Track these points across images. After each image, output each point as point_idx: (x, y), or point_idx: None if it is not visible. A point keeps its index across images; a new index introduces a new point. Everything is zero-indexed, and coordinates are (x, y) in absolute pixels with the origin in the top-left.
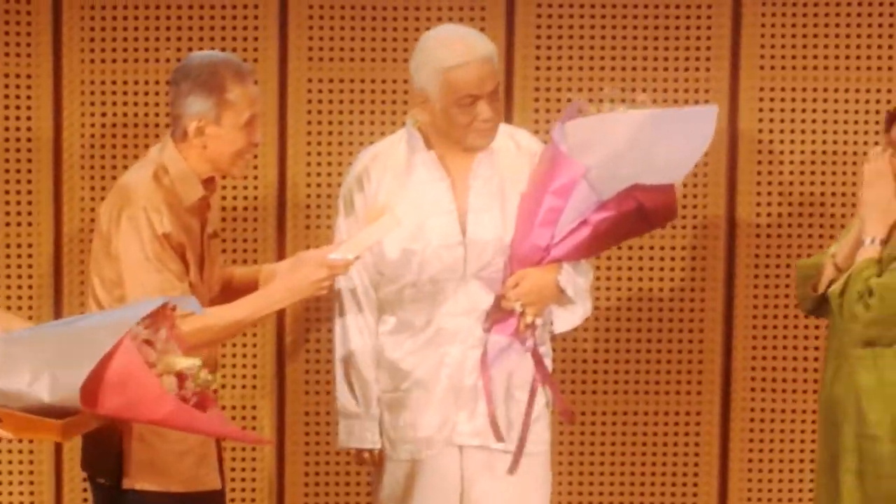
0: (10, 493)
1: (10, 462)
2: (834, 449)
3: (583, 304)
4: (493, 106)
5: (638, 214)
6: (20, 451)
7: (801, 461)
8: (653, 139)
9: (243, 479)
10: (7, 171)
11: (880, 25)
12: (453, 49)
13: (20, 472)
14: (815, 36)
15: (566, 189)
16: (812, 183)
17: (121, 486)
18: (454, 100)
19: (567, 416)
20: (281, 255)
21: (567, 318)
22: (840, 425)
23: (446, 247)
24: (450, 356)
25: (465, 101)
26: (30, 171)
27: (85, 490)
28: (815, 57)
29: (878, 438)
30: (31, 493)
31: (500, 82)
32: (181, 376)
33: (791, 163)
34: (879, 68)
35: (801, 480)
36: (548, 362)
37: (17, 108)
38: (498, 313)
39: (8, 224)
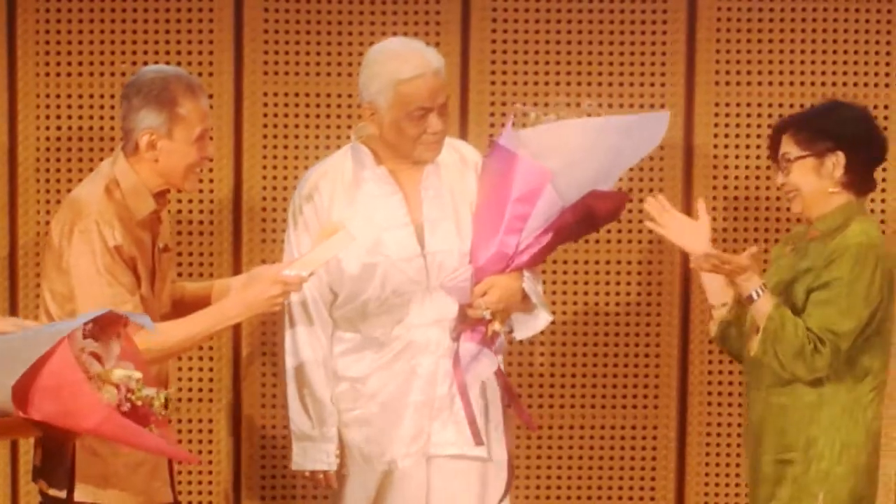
0: None
1: None
2: (754, 478)
3: (545, 311)
4: (443, 119)
5: (588, 218)
6: None
7: None
8: (608, 145)
9: (200, 493)
10: None
11: (834, 41)
12: (406, 61)
13: None
14: (770, 52)
15: (530, 195)
16: (767, 197)
17: (72, 499)
18: (405, 112)
19: (528, 423)
20: (237, 269)
21: (531, 325)
22: (760, 455)
23: (406, 260)
24: (422, 367)
25: (417, 114)
26: None
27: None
28: (770, 72)
29: (794, 461)
30: None
31: (448, 95)
32: (122, 389)
33: (746, 177)
34: (834, 84)
35: None
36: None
37: None
38: (466, 322)
39: None
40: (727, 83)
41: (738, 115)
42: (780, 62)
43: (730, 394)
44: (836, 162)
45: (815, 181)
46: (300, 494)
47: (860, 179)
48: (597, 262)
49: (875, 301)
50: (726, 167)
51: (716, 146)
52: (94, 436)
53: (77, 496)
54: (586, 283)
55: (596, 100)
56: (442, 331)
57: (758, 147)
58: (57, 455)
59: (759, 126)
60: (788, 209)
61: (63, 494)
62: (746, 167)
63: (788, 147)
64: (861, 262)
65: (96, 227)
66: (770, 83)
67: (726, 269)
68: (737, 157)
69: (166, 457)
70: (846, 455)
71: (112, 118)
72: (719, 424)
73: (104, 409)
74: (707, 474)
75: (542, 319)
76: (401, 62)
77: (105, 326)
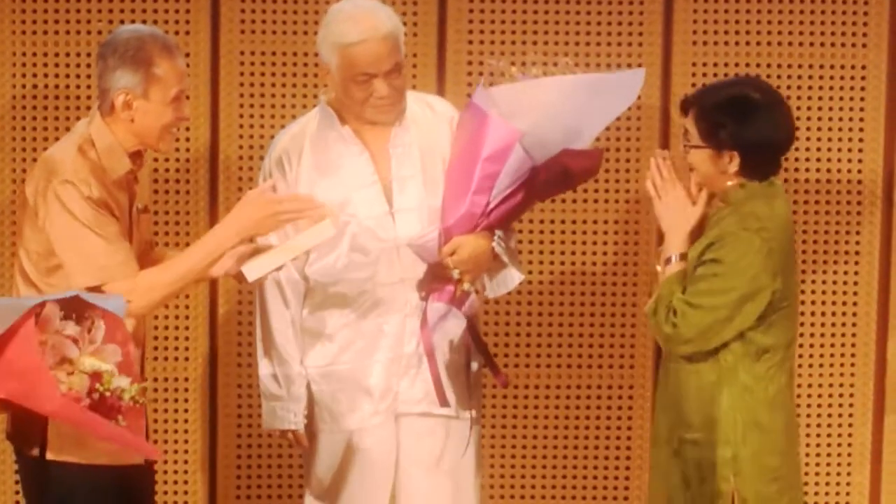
0: None
1: None
2: (657, 443)
3: (517, 270)
4: (393, 83)
5: (563, 176)
6: None
7: None
8: (582, 103)
9: (175, 453)
10: None
11: (812, 1)
12: (352, 26)
13: None
14: (748, 11)
15: (500, 154)
16: None
17: (45, 457)
18: (350, 76)
19: (501, 381)
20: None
21: (502, 284)
22: (667, 425)
23: (374, 218)
24: (388, 325)
25: (361, 79)
26: None
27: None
28: (748, 32)
29: (698, 442)
30: None
31: (400, 59)
32: (94, 377)
33: None
34: (812, 44)
35: None
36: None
37: None
38: (434, 281)
39: None
40: (704, 42)
41: (715, 75)
42: (758, 22)
43: None
44: (732, 159)
45: (711, 169)
46: (276, 454)
47: (759, 171)
48: (573, 222)
49: (758, 284)
50: None
51: None
52: (54, 419)
53: (48, 456)
54: (562, 242)
55: (573, 59)
56: (409, 289)
57: None
58: (31, 415)
59: None
60: None
61: (36, 454)
62: None
63: (690, 128)
64: (742, 250)
65: (71, 185)
66: (748, 43)
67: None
68: None
69: (123, 446)
70: (751, 435)
71: (88, 77)
72: None
73: (62, 397)
74: None
75: (513, 278)
76: (346, 26)
77: (87, 309)
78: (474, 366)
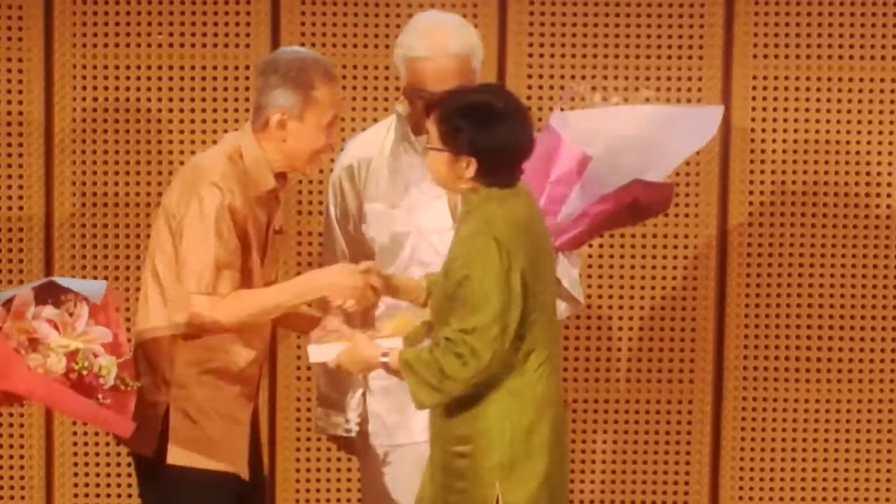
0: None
1: None
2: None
3: (577, 295)
4: None
5: (632, 208)
6: (10, 415)
7: (793, 450)
8: (656, 135)
9: None
10: None
11: (873, 14)
12: (421, 40)
13: (10, 436)
14: (808, 25)
15: (568, 179)
16: (804, 172)
17: (163, 460)
18: (414, 90)
19: None
20: None
21: (559, 309)
22: (434, 441)
23: (437, 232)
24: None
25: (425, 94)
26: (21, 154)
27: (76, 464)
28: (808, 46)
29: (466, 455)
30: (22, 457)
31: (470, 79)
32: (70, 357)
33: (784, 151)
34: (872, 57)
35: (792, 469)
36: None
37: (9, 91)
38: None
39: None
40: (765, 56)
41: (775, 88)
42: (819, 35)
43: (765, 368)
44: (469, 164)
45: (447, 173)
46: (334, 468)
47: (496, 178)
48: (633, 236)
49: (512, 287)
50: (763, 141)
51: (753, 119)
52: (27, 399)
53: (170, 459)
54: (622, 256)
55: (633, 72)
56: None
57: (796, 122)
58: (149, 419)
59: (797, 100)
60: (826, 184)
61: (154, 457)
62: (784, 141)
63: (431, 129)
64: (483, 258)
65: (218, 190)
66: (808, 56)
67: None
68: (774, 130)
69: (101, 426)
70: (517, 439)
71: (148, 90)
72: (754, 399)
73: (31, 374)
74: (742, 448)
75: (569, 304)
76: (418, 40)
77: (74, 294)
78: None
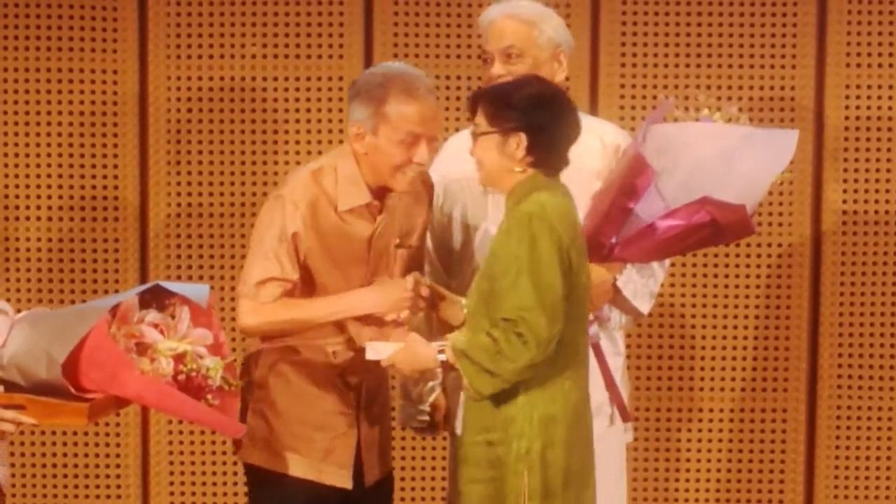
0: (97, 445)
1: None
2: (455, 458)
3: (641, 306)
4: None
5: (711, 228)
6: (107, 424)
7: (889, 458)
8: (733, 155)
9: None
10: (94, 180)
11: None
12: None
13: (107, 435)
14: None
15: (636, 191)
16: None
17: (246, 460)
18: (480, 57)
19: (623, 414)
20: None
21: (626, 319)
22: (462, 435)
23: None
24: None
25: (485, 56)
26: (116, 166)
27: (171, 463)
28: None
29: (494, 442)
30: (118, 456)
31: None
32: (177, 360)
33: (877, 159)
34: None
35: (888, 478)
36: (619, 361)
37: (104, 103)
38: None
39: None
40: (858, 65)
41: (869, 97)
42: None
43: (860, 377)
44: (519, 142)
45: (496, 158)
46: (429, 466)
47: (547, 159)
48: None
49: (558, 268)
50: (857, 150)
51: (846, 128)
52: (136, 402)
53: (250, 459)
54: (715, 265)
55: (726, 81)
56: None
57: (889, 130)
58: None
59: (890, 108)
60: None
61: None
62: (878, 149)
63: (479, 119)
64: (533, 232)
65: (282, 203)
66: None
67: None
68: (868, 139)
69: (211, 427)
70: (544, 429)
71: (242, 100)
72: (849, 407)
73: (141, 378)
74: (837, 457)
75: (630, 316)
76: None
77: (175, 297)
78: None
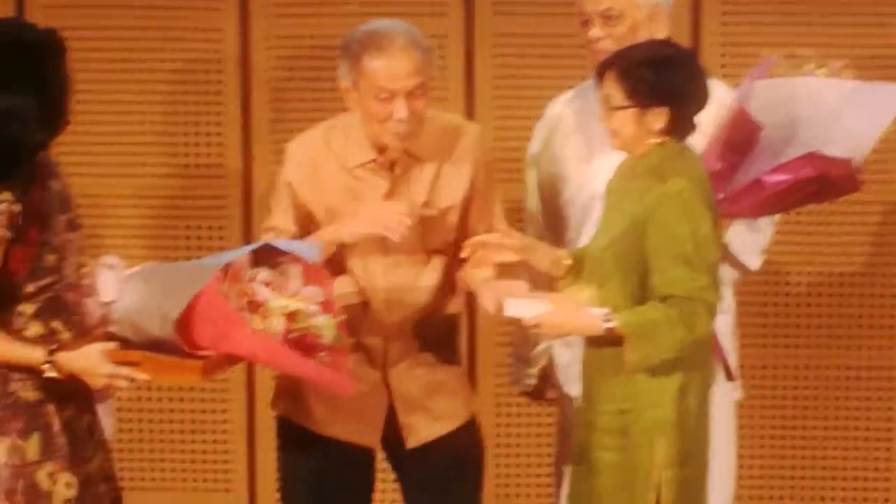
0: (203, 401)
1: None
2: (589, 428)
3: (749, 262)
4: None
5: (818, 183)
6: (213, 401)
7: None
8: (839, 110)
9: None
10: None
11: None
12: None
13: (213, 412)
14: None
15: (742, 146)
16: None
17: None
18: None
19: (728, 373)
20: None
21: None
22: (596, 406)
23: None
24: None
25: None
26: (219, 122)
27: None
28: None
29: (628, 410)
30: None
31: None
32: (289, 318)
33: None
34: None
35: None
36: (727, 318)
37: (207, 61)
38: None
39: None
40: None
41: None
42: None
43: None
44: (658, 116)
45: (634, 130)
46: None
47: (682, 128)
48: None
49: (717, 242)
50: None
51: None
52: (248, 360)
53: (276, 409)
54: (819, 223)
55: (830, 39)
56: None
57: None
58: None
59: None
60: None
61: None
62: None
63: (612, 90)
64: (692, 211)
65: (287, 156)
66: None
67: None
68: None
69: (323, 384)
70: (680, 398)
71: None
72: None
73: (254, 335)
74: None
75: (737, 270)
76: None
77: (283, 255)
78: None
